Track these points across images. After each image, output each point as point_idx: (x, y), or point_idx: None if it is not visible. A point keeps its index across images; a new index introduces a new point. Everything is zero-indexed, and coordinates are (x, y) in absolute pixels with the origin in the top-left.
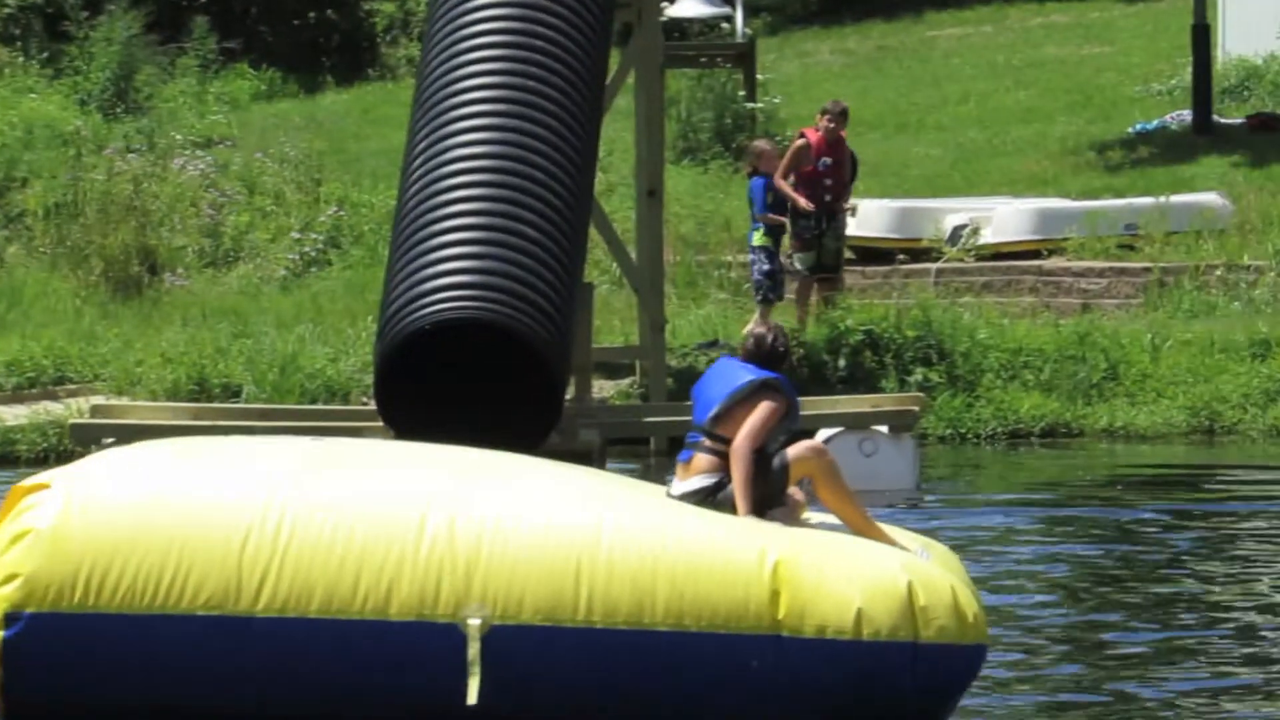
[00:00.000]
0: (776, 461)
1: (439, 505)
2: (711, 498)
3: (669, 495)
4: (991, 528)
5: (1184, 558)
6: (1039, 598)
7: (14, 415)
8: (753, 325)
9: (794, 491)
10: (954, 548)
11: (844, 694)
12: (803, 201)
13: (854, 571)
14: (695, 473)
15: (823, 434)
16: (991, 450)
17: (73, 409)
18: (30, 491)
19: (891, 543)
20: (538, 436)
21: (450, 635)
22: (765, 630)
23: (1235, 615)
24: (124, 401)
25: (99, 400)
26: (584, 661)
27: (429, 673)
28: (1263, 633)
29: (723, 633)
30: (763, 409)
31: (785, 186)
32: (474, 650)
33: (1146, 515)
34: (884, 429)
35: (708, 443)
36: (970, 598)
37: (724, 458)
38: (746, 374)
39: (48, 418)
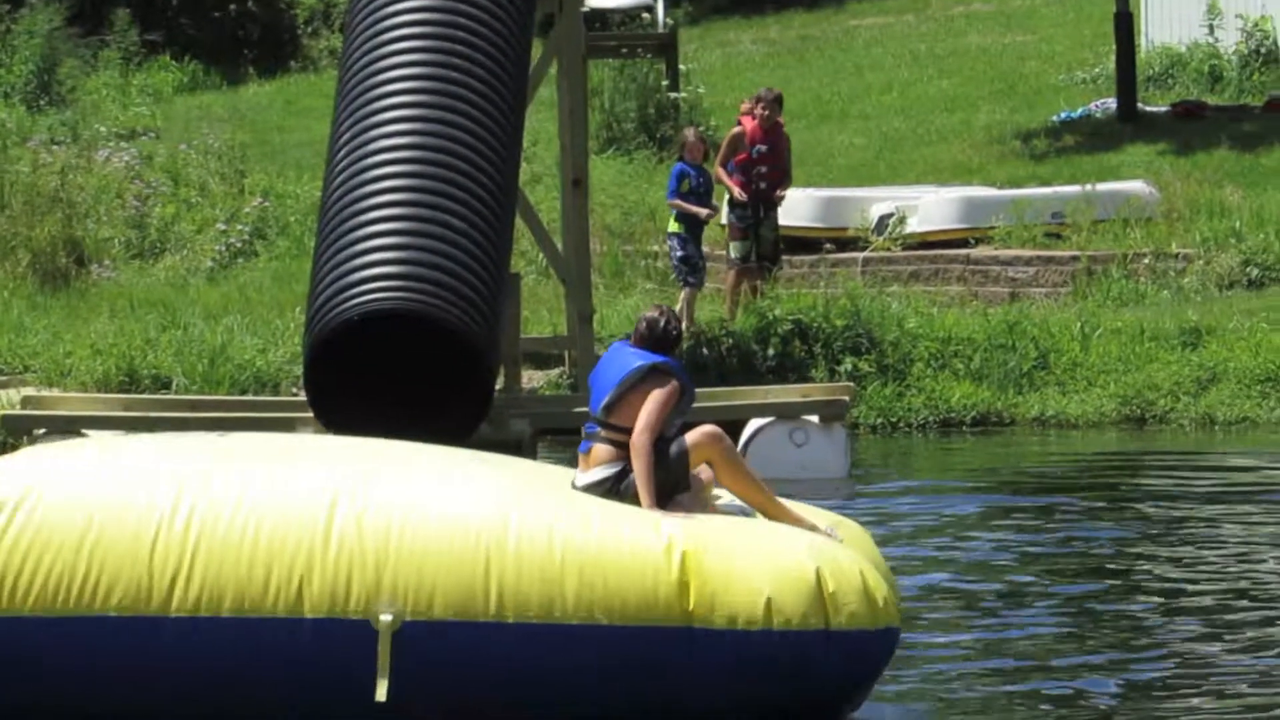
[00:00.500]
0: (675, 448)
1: (346, 501)
2: (615, 488)
3: (573, 487)
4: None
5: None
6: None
7: None
8: (651, 310)
9: (700, 470)
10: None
11: (757, 684)
12: (737, 190)
13: (762, 560)
14: (596, 463)
15: (753, 424)
16: (924, 439)
17: (3, 400)
18: None
19: (798, 522)
20: (468, 427)
21: (363, 632)
22: (676, 622)
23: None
24: (55, 393)
25: (30, 391)
26: (495, 656)
27: (342, 670)
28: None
29: (634, 625)
30: (655, 397)
31: (722, 174)
32: (384, 646)
33: (1073, 502)
34: (815, 419)
35: (604, 432)
36: (879, 580)
37: (621, 447)
38: (637, 359)
39: None
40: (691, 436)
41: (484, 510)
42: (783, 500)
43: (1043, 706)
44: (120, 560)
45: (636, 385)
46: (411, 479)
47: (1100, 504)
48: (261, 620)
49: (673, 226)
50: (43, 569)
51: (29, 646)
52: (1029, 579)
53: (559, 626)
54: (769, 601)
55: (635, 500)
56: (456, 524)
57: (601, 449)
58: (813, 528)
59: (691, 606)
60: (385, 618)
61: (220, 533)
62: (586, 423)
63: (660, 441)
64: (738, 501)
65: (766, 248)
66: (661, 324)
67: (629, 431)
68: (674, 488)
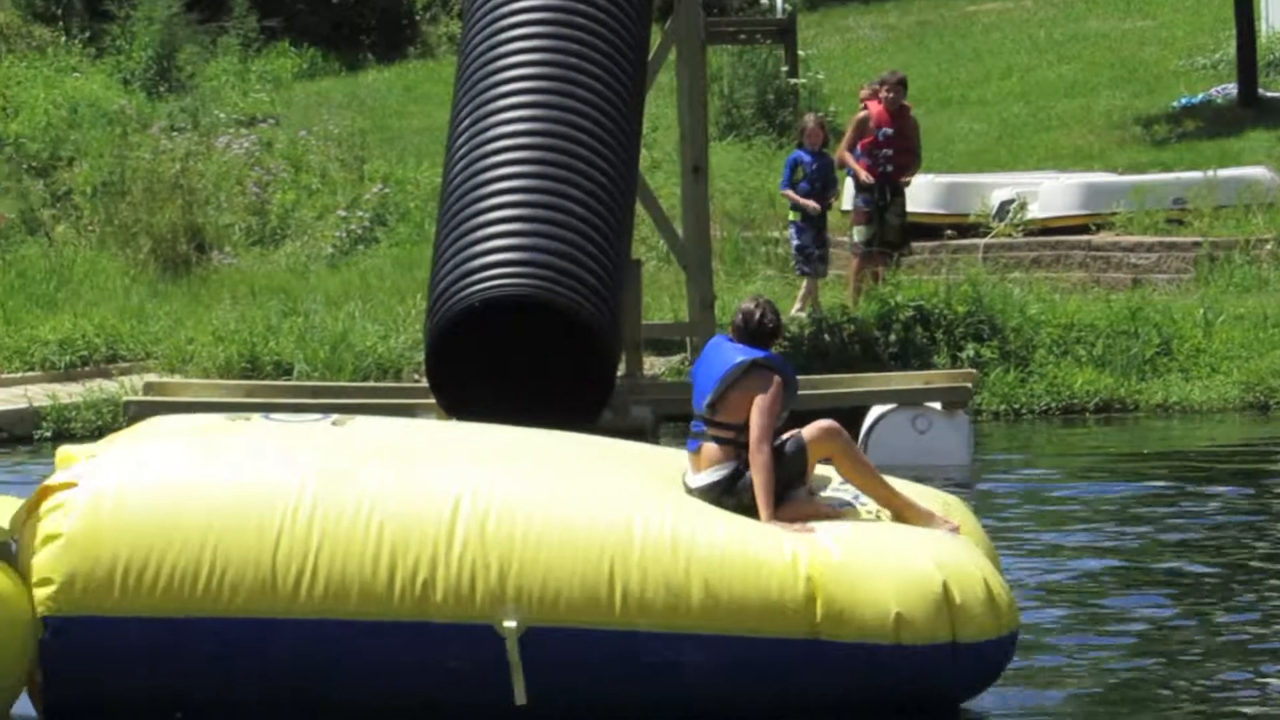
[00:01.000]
0: (792, 444)
1: (469, 503)
2: (730, 488)
3: (686, 490)
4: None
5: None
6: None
7: (68, 393)
8: (747, 301)
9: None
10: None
11: (882, 696)
12: (864, 173)
13: (890, 573)
14: (707, 463)
15: (876, 410)
16: (1046, 426)
17: (126, 387)
18: (57, 490)
19: (917, 512)
20: (590, 414)
21: (487, 636)
22: (802, 634)
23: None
24: (176, 379)
25: (152, 378)
26: (619, 662)
27: (467, 673)
28: None
29: (759, 636)
30: (762, 403)
31: (848, 158)
32: (514, 652)
33: (1212, 491)
34: (937, 405)
35: (711, 430)
36: (1001, 586)
37: (729, 444)
38: (737, 354)
39: (101, 395)
40: (809, 432)
41: (609, 515)
42: (898, 486)
43: (1167, 692)
44: (244, 560)
45: (738, 382)
46: (535, 480)
47: (1225, 490)
48: (388, 623)
49: (791, 215)
50: (164, 569)
51: (151, 647)
52: (1152, 564)
53: (682, 635)
54: (898, 617)
55: (752, 503)
56: (581, 529)
57: (711, 448)
58: (930, 515)
59: (819, 619)
60: (510, 623)
61: (344, 534)
62: (693, 420)
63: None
64: (840, 493)
65: (892, 233)
66: (757, 316)
67: (735, 428)
68: (789, 484)
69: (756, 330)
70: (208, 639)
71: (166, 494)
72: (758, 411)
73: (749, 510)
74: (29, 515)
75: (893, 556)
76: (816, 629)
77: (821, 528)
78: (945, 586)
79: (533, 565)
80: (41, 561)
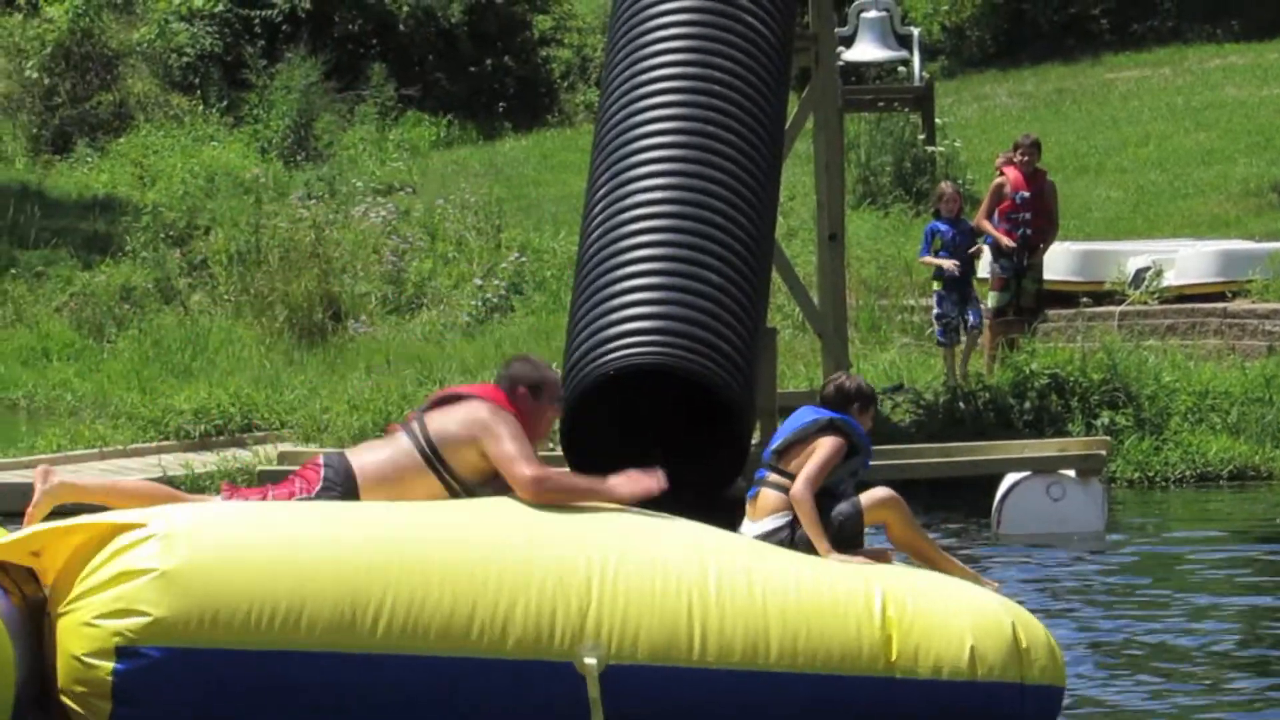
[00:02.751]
0: (849, 507)
1: (545, 542)
2: (789, 539)
3: (744, 533)
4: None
5: None
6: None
7: (202, 462)
8: (840, 374)
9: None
10: None
11: None
12: (1005, 239)
13: (961, 611)
14: (763, 512)
15: (1010, 478)
16: (1180, 493)
17: (260, 456)
18: (128, 529)
19: (977, 580)
20: (724, 482)
21: (566, 674)
22: (879, 672)
23: None
24: (312, 448)
25: (287, 447)
26: (699, 702)
27: (544, 711)
28: None
29: (837, 674)
30: (823, 447)
31: (987, 225)
32: (594, 690)
33: None
34: (1071, 473)
35: (772, 477)
36: (1055, 641)
37: (788, 494)
38: (815, 414)
39: (236, 465)
40: (868, 497)
41: (682, 554)
42: (955, 562)
43: None
44: (324, 593)
45: (809, 436)
46: (609, 528)
47: None
48: (465, 660)
49: (935, 284)
50: (248, 603)
51: (234, 679)
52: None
53: (762, 674)
54: (973, 651)
55: (810, 552)
56: (658, 566)
57: (769, 495)
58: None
59: (895, 656)
60: (590, 660)
61: (422, 569)
62: (757, 469)
63: (828, 498)
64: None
65: (1028, 299)
66: (847, 386)
67: (794, 478)
68: (844, 546)
69: (838, 397)
70: (300, 672)
71: (253, 534)
72: (811, 459)
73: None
74: (87, 551)
75: (963, 594)
76: (893, 666)
77: (886, 567)
78: (1014, 626)
79: (611, 603)
80: (126, 593)
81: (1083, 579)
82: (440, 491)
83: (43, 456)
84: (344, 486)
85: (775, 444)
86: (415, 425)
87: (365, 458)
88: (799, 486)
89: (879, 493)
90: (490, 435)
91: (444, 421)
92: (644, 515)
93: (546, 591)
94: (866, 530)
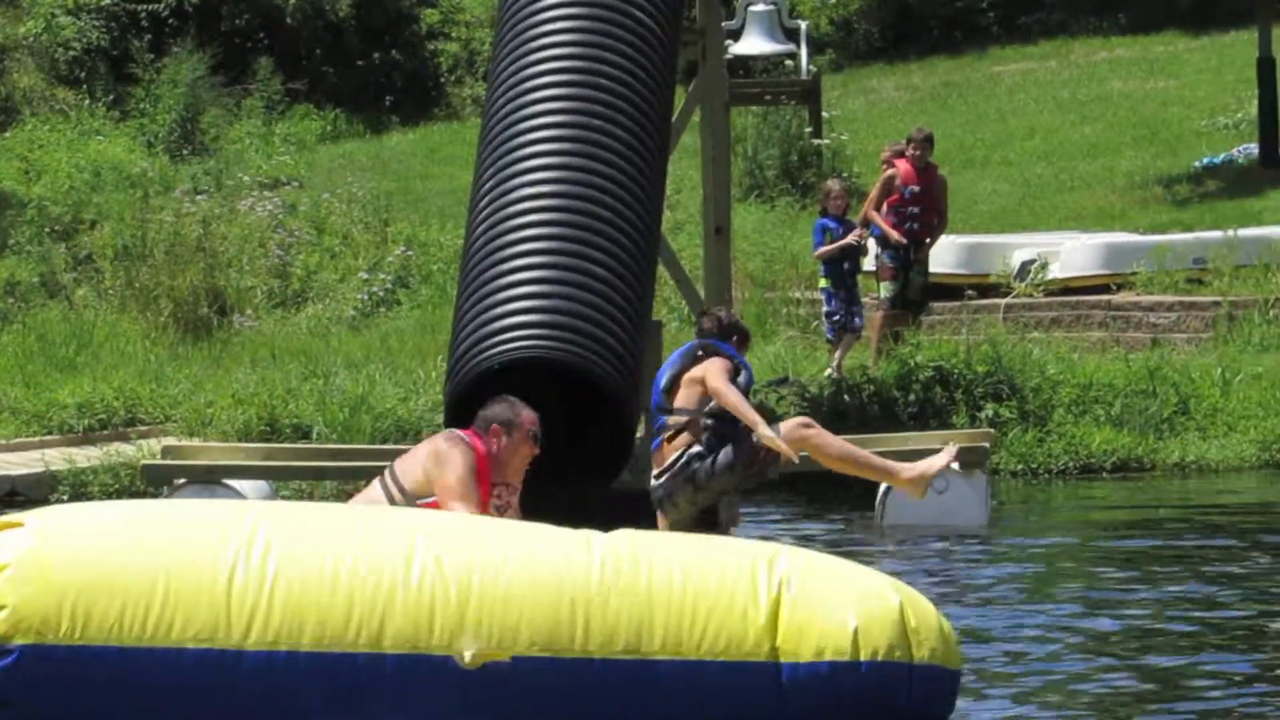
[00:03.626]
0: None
1: (426, 539)
2: (691, 476)
3: (652, 487)
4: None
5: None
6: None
7: (86, 457)
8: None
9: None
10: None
11: (841, 718)
12: (894, 233)
13: (846, 592)
14: (668, 454)
15: None
16: (1064, 485)
17: (144, 450)
18: (2, 529)
19: (912, 473)
20: (609, 475)
21: (445, 667)
22: (765, 656)
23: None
24: (195, 443)
25: (171, 441)
26: (582, 693)
27: (424, 705)
28: None
29: (723, 660)
30: (712, 364)
31: (875, 216)
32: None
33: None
34: (955, 465)
35: (667, 420)
36: (947, 621)
37: (684, 429)
38: (686, 347)
39: (120, 459)
40: (785, 428)
41: (565, 545)
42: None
43: None
44: (198, 591)
45: (690, 366)
46: (489, 523)
47: (1239, 548)
48: (342, 655)
49: (822, 282)
50: (116, 600)
51: (102, 677)
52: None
53: (647, 662)
54: (856, 632)
55: (710, 482)
56: (539, 558)
57: (670, 437)
58: (925, 472)
59: (780, 640)
60: (469, 653)
61: (300, 564)
62: (656, 419)
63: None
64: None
65: (914, 292)
66: (724, 319)
67: (689, 413)
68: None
69: (718, 327)
70: (160, 670)
71: (117, 526)
72: (710, 374)
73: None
74: None
75: (851, 575)
76: (777, 651)
77: (775, 545)
78: (901, 608)
79: (493, 595)
80: None
81: (967, 571)
82: None
83: None
84: None
85: (660, 384)
86: (388, 473)
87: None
88: (713, 380)
89: (793, 422)
90: (439, 466)
91: (407, 459)
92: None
93: (425, 586)
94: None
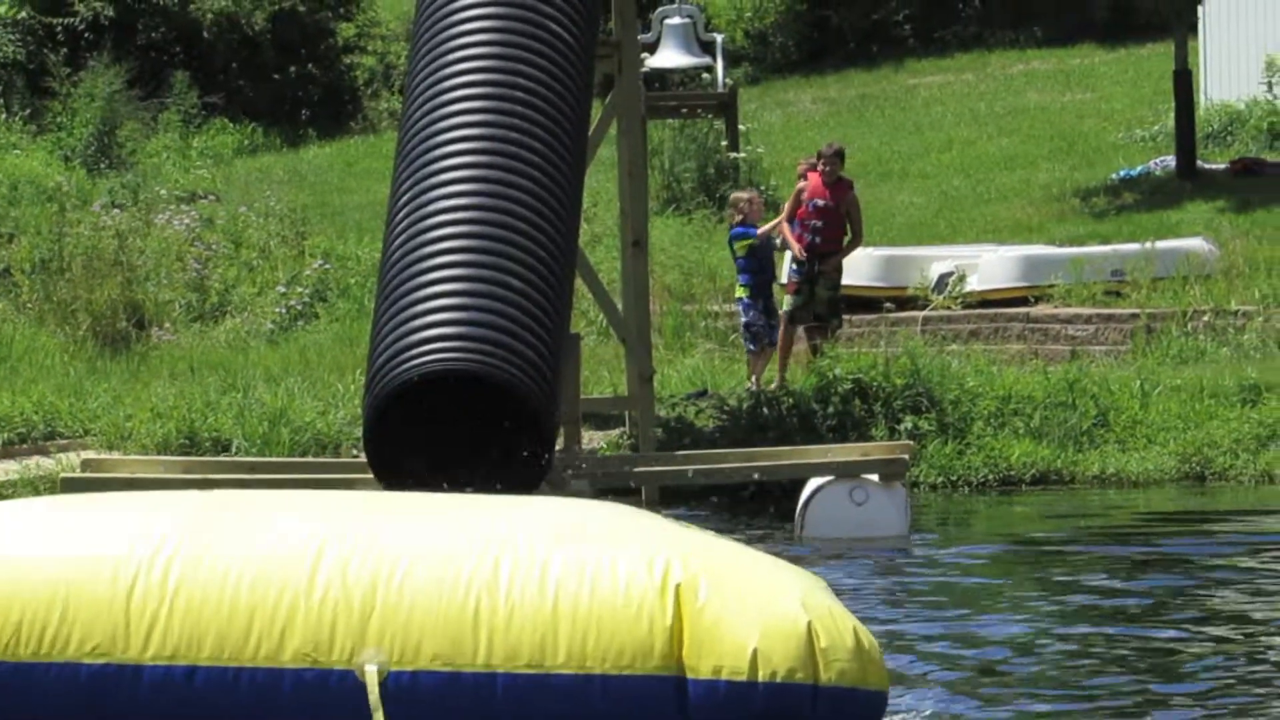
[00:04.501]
0: None
1: (332, 549)
2: None
3: None
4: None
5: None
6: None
7: (5, 471)
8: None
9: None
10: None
11: None
12: (796, 246)
13: (751, 606)
14: None
15: (813, 483)
16: (984, 497)
17: (63, 464)
18: None
19: None
20: (528, 487)
21: (346, 681)
22: (671, 671)
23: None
24: (115, 456)
25: (90, 455)
26: (485, 706)
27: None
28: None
29: (627, 674)
30: None
31: (785, 229)
32: (374, 697)
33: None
34: (875, 477)
35: None
36: (871, 640)
37: None
38: None
39: (39, 473)
40: None
41: (472, 556)
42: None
43: None
44: (96, 605)
45: None
46: (401, 528)
47: (1158, 557)
48: (241, 669)
49: (739, 291)
50: (13, 614)
51: None
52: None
53: (550, 676)
54: (755, 653)
55: None
56: (448, 568)
57: None
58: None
59: (685, 653)
60: (370, 668)
61: (201, 578)
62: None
63: None
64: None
65: (821, 305)
66: None
67: None
68: None
69: None
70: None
71: (17, 544)
72: None
73: None
74: None
75: (763, 585)
76: (681, 665)
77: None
78: (810, 626)
79: (396, 608)
80: None
81: (887, 583)
82: None
83: None
84: None
85: None
86: None
87: None
88: None
89: None
90: None
91: None
92: (451, 497)
93: (329, 599)
94: None
